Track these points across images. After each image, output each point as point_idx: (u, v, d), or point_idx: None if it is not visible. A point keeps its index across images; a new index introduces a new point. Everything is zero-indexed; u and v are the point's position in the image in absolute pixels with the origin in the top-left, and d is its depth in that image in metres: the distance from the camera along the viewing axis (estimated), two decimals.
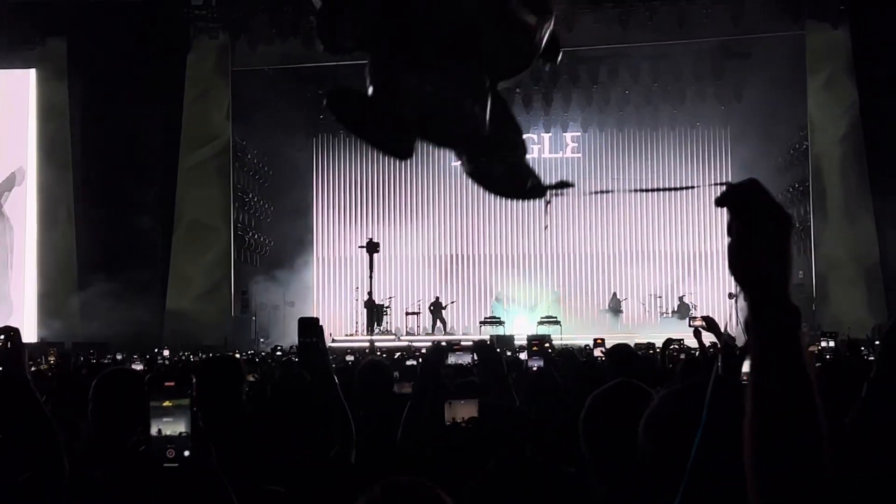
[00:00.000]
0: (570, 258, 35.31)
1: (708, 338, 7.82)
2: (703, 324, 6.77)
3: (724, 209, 1.78)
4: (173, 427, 2.49)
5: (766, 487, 1.57)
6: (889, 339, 2.68)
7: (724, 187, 1.77)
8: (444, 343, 5.74)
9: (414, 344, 22.33)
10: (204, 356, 6.99)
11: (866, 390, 2.64)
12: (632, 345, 17.50)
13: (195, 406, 2.52)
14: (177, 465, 2.47)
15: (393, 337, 29.72)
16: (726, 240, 1.78)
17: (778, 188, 31.45)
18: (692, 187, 7.27)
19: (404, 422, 4.60)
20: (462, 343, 5.29)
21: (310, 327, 4.44)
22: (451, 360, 5.35)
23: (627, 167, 35.37)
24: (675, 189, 32.88)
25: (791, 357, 1.69)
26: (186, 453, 2.48)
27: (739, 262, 1.77)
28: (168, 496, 2.52)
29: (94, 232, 28.24)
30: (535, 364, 6.30)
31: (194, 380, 2.57)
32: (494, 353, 5.20)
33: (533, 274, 35.07)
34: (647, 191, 33.55)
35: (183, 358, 17.59)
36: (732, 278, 1.74)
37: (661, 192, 35.52)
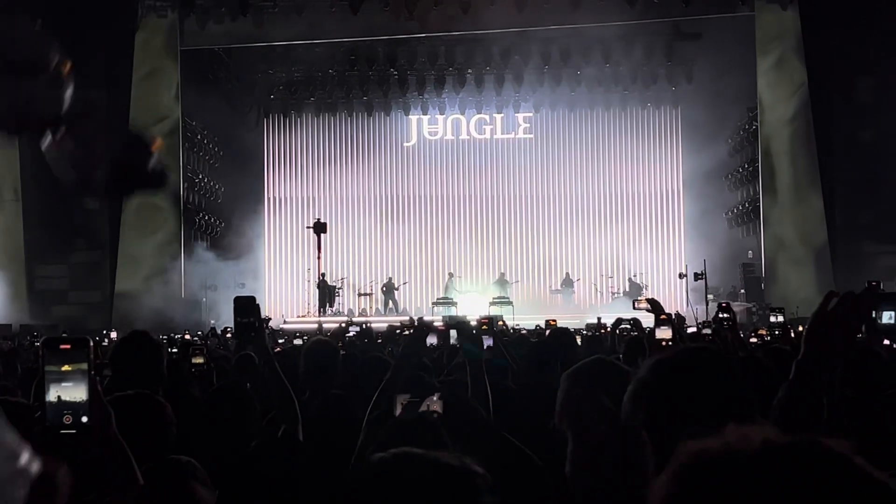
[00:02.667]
0: (521, 238, 35.34)
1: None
2: (648, 306, 6.76)
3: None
4: (72, 393, 2.39)
5: None
6: (816, 320, 2.67)
7: None
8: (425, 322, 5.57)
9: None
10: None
11: (794, 372, 2.63)
12: (583, 325, 17.68)
13: (94, 371, 2.42)
14: (74, 431, 2.37)
15: (345, 318, 29.67)
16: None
17: (728, 168, 31.75)
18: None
19: (373, 405, 4.50)
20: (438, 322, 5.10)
21: (246, 307, 4.31)
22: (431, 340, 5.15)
23: (579, 148, 35.49)
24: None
25: None
26: (84, 419, 2.39)
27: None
28: (65, 464, 2.43)
29: (42, 213, 27.89)
30: (486, 342, 6.30)
31: (91, 343, 2.46)
32: (476, 339, 4.93)
33: (485, 254, 35.14)
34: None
35: None
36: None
37: (613, 184, 35.50)
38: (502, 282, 32.88)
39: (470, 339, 4.77)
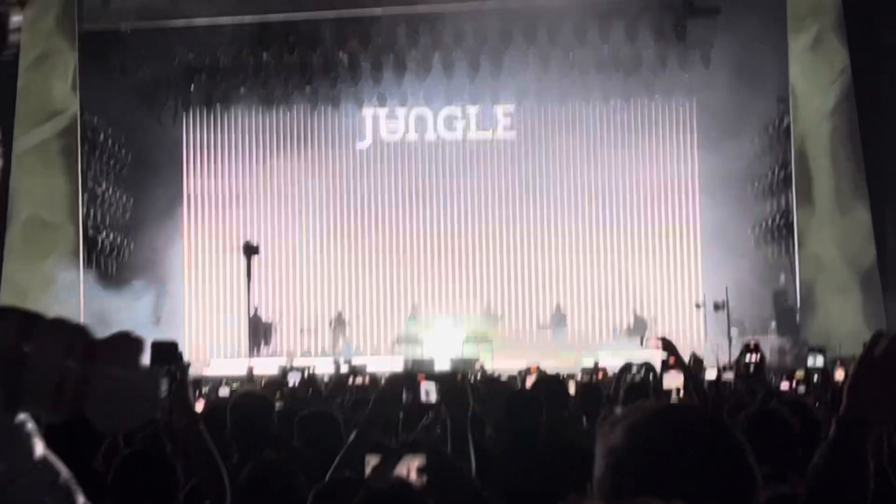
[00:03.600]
0: (501, 262, 35.29)
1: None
2: (659, 345, 6.75)
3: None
4: None
5: None
6: (861, 367, 2.66)
7: None
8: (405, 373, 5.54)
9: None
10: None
11: (834, 430, 2.63)
12: (578, 369, 17.67)
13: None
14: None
15: (284, 360, 29.55)
16: None
17: (754, 174, 31.81)
18: None
19: (333, 471, 4.47)
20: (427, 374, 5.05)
21: (165, 353, 4.26)
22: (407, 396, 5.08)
23: (571, 148, 35.39)
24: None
25: None
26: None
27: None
28: None
29: None
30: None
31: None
32: (463, 395, 4.89)
33: (457, 281, 35.06)
34: None
35: None
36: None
37: (611, 193, 35.56)
38: (487, 316, 32.83)
39: (456, 399, 4.75)
